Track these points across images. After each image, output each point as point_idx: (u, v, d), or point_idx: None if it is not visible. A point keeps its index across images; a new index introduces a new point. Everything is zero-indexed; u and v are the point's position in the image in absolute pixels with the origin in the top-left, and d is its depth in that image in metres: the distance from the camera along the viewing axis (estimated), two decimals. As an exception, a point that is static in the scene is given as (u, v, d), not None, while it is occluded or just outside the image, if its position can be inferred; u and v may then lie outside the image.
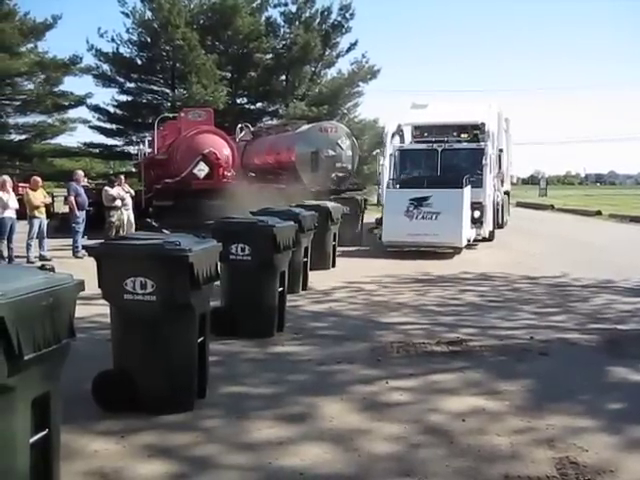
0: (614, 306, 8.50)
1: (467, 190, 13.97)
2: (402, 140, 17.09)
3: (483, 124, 16.05)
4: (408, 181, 15.29)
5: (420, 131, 17.43)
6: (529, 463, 3.76)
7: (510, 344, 6.47)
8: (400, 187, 15.17)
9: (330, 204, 12.11)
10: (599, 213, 28.00)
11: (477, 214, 14.65)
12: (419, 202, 13.53)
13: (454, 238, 13.37)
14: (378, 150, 18.50)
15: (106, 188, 15.80)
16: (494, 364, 5.81)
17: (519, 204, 35.50)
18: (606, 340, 6.63)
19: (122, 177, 16.47)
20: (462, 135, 16.78)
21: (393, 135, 16.35)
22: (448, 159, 15.86)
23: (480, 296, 9.28)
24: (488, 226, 15.31)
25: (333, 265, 12.03)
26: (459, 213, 13.44)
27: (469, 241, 13.72)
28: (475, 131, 16.54)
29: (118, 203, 15.19)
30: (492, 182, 15.83)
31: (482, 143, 15.61)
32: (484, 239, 15.30)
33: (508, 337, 6.77)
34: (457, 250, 13.64)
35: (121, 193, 15.35)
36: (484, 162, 15.05)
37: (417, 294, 9.47)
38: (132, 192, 16.09)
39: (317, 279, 10.25)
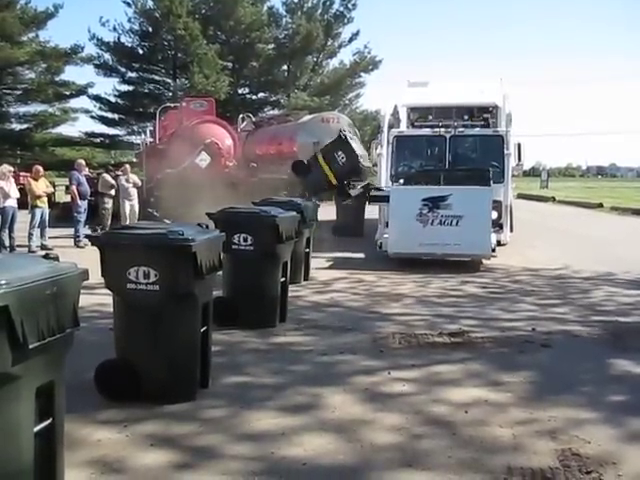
0: (615, 299, 8.50)
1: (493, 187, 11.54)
2: (397, 125, 14.39)
3: (496, 107, 13.90)
4: (417, 176, 12.42)
5: (418, 114, 14.73)
6: (531, 454, 3.77)
7: (512, 336, 6.47)
8: (407, 183, 12.23)
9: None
10: (600, 206, 27.95)
11: (495, 215, 11.87)
12: (435, 203, 10.91)
13: (481, 248, 10.89)
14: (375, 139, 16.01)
15: (104, 175, 15.89)
16: (496, 356, 5.81)
17: (520, 196, 35.47)
18: (608, 332, 6.62)
19: (127, 166, 16.42)
20: (473, 119, 14.23)
21: (391, 123, 13.94)
22: (458, 148, 13.53)
23: (481, 287, 9.29)
24: (507, 230, 13.14)
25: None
26: (487, 217, 10.93)
27: (493, 250, 11.20)
28: (485, 115, 14.25)
29: (113, 192, 15.22)
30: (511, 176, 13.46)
31: (501, 129, 13.39)
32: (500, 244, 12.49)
33: (510, 329, 6.77)
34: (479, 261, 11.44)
35: (125, 183, 15.34)
36: (506, 152, 12.84)
37: (418, 285, 9.46)
38: (139, 182, 16.05)
39: (318, 270, 10.27)
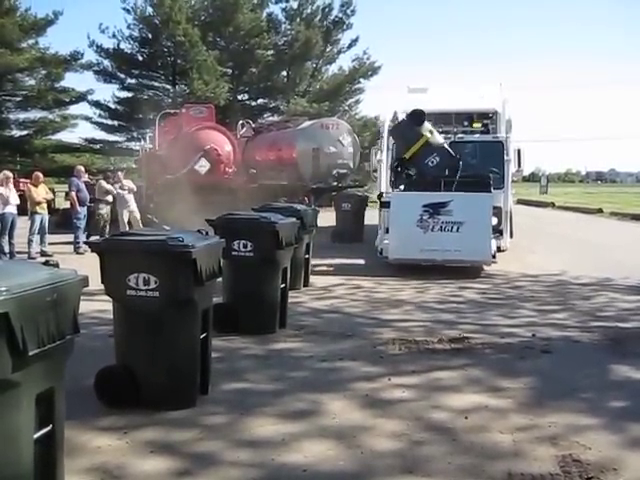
0: (615, 304, 8.50)
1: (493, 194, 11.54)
2: None
3: (496, 112, 13.87)
4: (418, 182, 12.07)
5: None
6: (532, 461, 3.76)
7: (512, 342, 6.47)
8: (407, 189, 12.08)
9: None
10: (600, 211, 27.98)
11: (495, 221, 11.75)
12: (435, 209, 10.91)
13: (482, 254, 10.89)
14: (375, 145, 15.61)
15: (100, 181, 15.94)
16: (496, 361, 5.80)
17: (520, 201, 35.47)
18: (608, 338, 6.62)
19: (120, 174, 16.40)
20: (474, 125, 14.16)
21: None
22: (458, 154, 12.85)
23: (481, 293, 9.28)
24: (507, 236, 12.97)
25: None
26: (487, 223, 10.92)
27: (494, 256, 11.17)
28: (485, 121, 14.21)
29: (110, 198, 15.24)
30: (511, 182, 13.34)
31: (500, 135, 13.39)
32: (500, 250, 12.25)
33: (510, 335, 6.76)
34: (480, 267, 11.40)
35: (120, 191, 15.34)
36: (506, 158, 12.81)
37: (417, 291, 9.46)
38: (134, 188, 16.05)
39: (317, 276, 10.27)
